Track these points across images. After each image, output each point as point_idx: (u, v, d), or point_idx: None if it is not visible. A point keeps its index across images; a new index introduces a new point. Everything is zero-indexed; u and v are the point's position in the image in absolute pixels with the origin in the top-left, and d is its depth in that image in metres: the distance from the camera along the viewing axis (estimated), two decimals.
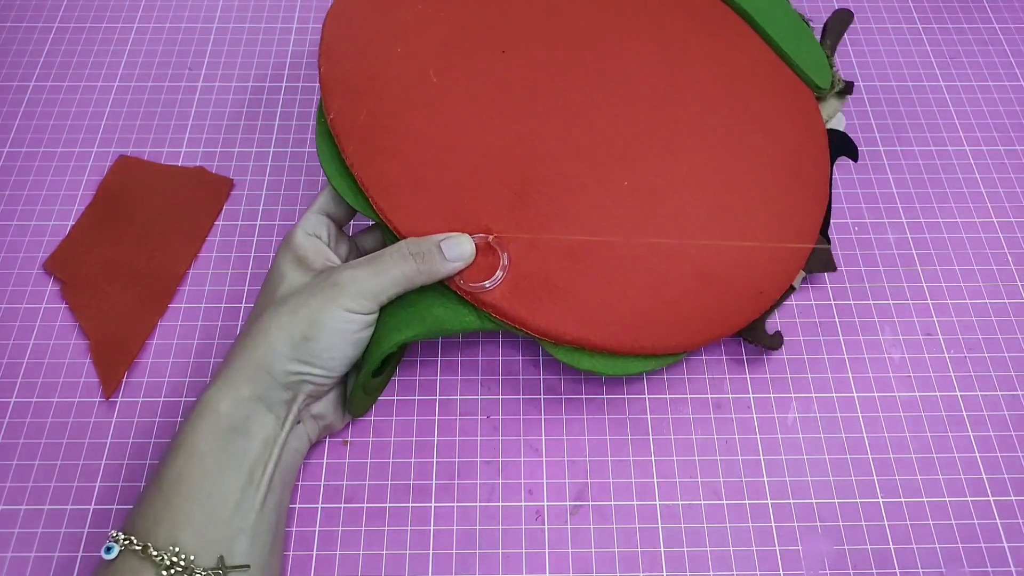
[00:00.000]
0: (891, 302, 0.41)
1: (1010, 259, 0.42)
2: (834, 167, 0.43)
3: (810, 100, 0.42)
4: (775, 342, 0.38)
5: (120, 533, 0.28)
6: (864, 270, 0.42)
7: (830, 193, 0.40)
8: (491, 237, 0.35)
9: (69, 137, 0.47)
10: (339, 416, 0.35)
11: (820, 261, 0.40)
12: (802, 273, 0.39)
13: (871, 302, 0.41)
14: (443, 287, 0.35)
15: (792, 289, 0.39)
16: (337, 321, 0.31)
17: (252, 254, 0.42)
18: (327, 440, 0.37)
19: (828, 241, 0.40)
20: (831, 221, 0.43)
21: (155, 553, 0.27)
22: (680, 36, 0.42)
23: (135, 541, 0.28)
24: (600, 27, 0.41)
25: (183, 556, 0.28)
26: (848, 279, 0.42)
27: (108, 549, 0.28)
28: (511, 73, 0.38)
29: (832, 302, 0.41)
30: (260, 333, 0.31)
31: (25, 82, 0.49)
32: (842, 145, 0.42)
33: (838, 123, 0.44)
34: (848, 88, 0.43)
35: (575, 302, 0.35)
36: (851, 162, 0.46)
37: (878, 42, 0.51)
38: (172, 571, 0.27)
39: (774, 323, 0.41)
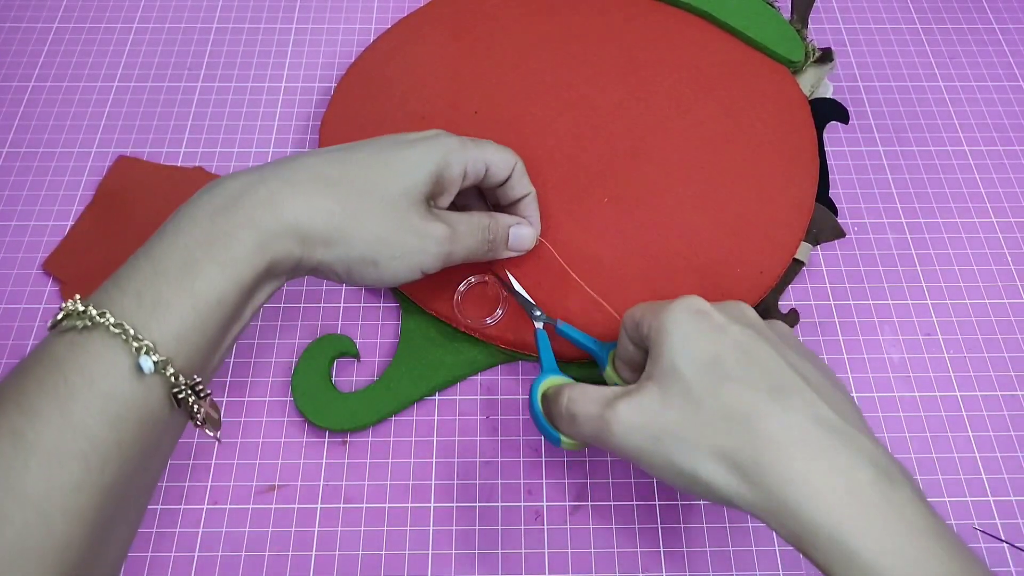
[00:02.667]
0: (890, 302, 0.41)
1: (1009, 259, 0.42)
2: (824, 135, 0.44)
3: (785, 76, 0.44)
4: (791, 320, 0.38)
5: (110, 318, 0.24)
6: (863, 270, 0.42)
7: (823, 161, 0.42)
8: (488, 277, 0.38)
9: (68, 137, 0.46)
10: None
11: (828, 229, 0.40)
12: (808, 246, 0.40)
13: (870, 302, 0.41)
14: (449, 341, 0.38)
15: (800, 264, 0.39)
16: (405, 270, 0.31)
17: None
18: (326, 440, 0.37)
19: (833, 207, 0.40)
20: (831, 188, 0.44)
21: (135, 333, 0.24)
22: (642, 53, 0.45)
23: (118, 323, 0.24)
24: (563, 65, 0.45)
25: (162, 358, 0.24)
26: (847, 279, 0.42)
27: (103, 313, 0.24)
28: (484, 129, 0.43)
29: (831, 302, 0.41)
30: (353, 220, 0.29)
31: (25, 82, 0.49)
32: (831, 111, 0.43)
33: (824, 91, 0.45)
34: (827, 56, 0.45)
35: (574, 320, 0.36)
36: (851, 162, 0.46)
37: (878, 42, 0.51)
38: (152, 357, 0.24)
39: (788, 303, 0.41)
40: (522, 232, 0.36)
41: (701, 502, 0.35)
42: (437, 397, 0.38)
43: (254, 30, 0.51)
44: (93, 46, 0.51)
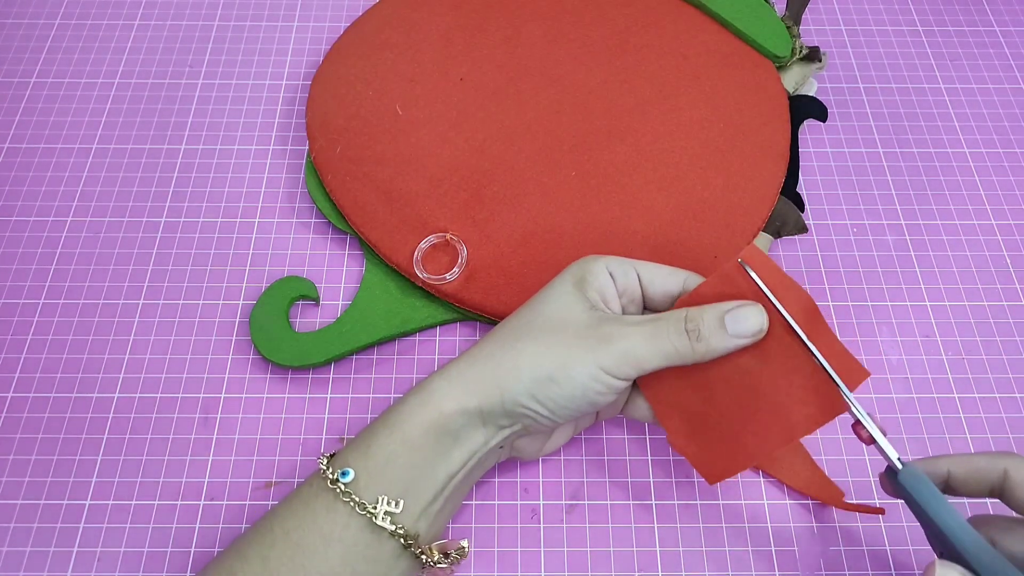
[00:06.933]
0: (889, 303, 0.41)
1: (1008, 261, 0.42)
2: (800, 131, 0.45)
3: (769, 70, 0.45)
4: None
5: (339, 471, 0.29)
6: (862, 271, 0.42)
7: (796, 156, 0.43)
8: (449, 235, 0.39)
9: (69, 134, 0.47)
10: (536, 452, 0.34)
11: (791, 223, 0.40)
12: (769, 237, 0.40)
13: (869, 303, 0.41)
14: (406, 292, 0.40)
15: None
16: (587, 377, 0.29)
17: (251, 251, 0.42)
18: (323, 437, 0.37)
19: (799, 202, 0.41)
20: (800, 180, 0.44)
21: (360, 500, 0.29)
22: (632, 36, 0.47)
23: (343, 485, 0.29)
24: (554, 41, 0.47)
25: (395, 513, 0.29)
26: (846, 280, 0.42)
27: (344, 473, 0.29)
28: (467, 95, 0.44)
29: (830, 303, 0.41)
30: (511, 352, 0.30)
31: (26, 79, 0.49)
32: (810, 108, 0.44)
33: (809, 88, 0.46)
34: (814, 55, 0.45)
35: (528, 285, 0.38)
36: (850, 163, 0.46)
37: (878, 42, 0.51)
38: (384, 521, 0.29)
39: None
40: (743, 313, 0.29)
41: (697, 502, 0.35)
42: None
43: (255, 27, 0.51)
44: (94, 43, 0.51)
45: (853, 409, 0.28)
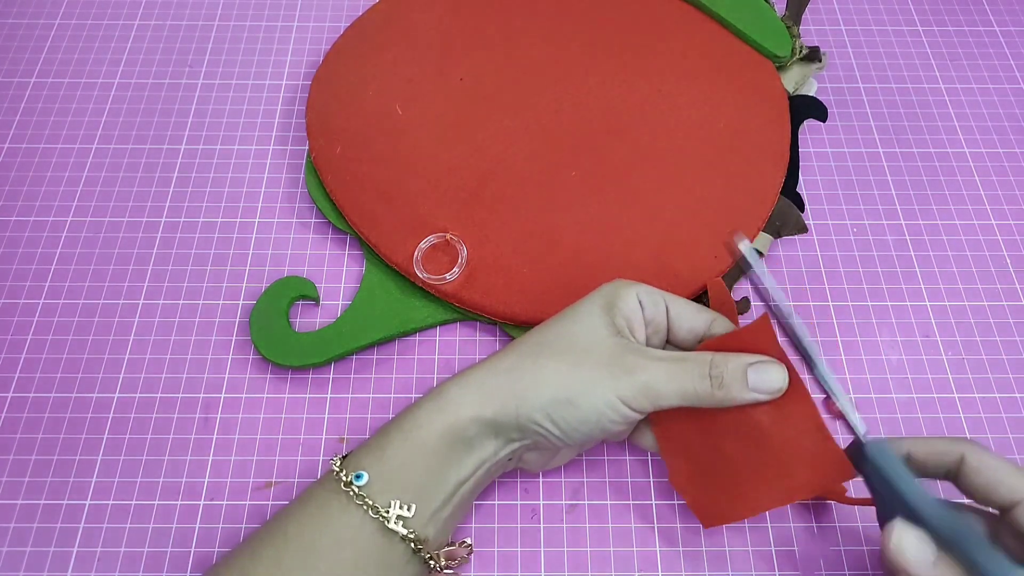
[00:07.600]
0: (888, 303, 0.41)
1: (1008, 261, 0.42)
2: (800, 131, 0.45)
3: (769, 70, 0.45)
4: (742, 307, 0.39)
5: (354, 474, 0.29)
6: (862, 271, 0.42)
7: (796, 156, 0.43)
8: (449, 235, 0.39)
9: (69, 134, 0.47)
10: (542, 466, 0.34)
11: (791, 223, 0.40)
12: (768, 237, 0.40)
13: (868, 303, 0.41)
14: (406, 292, 0.40)
15: (759, 254, 0.40)
16: (603, 404, 0.30)
17: (251, 251, 0.42)
18: (323, 437, 0.37)
19: (799, 202, 0.41)
20: (800, 180, 0.44)
21: (374, 504, 0.29)
22: (632, 36, 0.47)
23: (357, 488, 0.29)
24: (554, 42, 0.47)
25: (407, 517, 0.29)
26: (846, 280, 0.42)
27: (359, 476, 0.29)
28: (467, 96, 0.44)
29: (830, 303, 0.41)
30: (532, 367, 0.30)
31: (26, 79, 0.49)
32: (810, 108, 0.44)
33: (808, 88, 0.46)
34: (814, 55, 0.45)
35: (528, 285, 0.38)
36: (850, 163, 0.46)
37: (878, 42, 0.51)
38: (396, 525, 0.29)
39: (744, 288, 0.41)
40: (765, 368, 0.29)
41: None
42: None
43: (255, 27, 0.51)
44: (94, 43, 0.51)
45: (823, 383, 0.29)
